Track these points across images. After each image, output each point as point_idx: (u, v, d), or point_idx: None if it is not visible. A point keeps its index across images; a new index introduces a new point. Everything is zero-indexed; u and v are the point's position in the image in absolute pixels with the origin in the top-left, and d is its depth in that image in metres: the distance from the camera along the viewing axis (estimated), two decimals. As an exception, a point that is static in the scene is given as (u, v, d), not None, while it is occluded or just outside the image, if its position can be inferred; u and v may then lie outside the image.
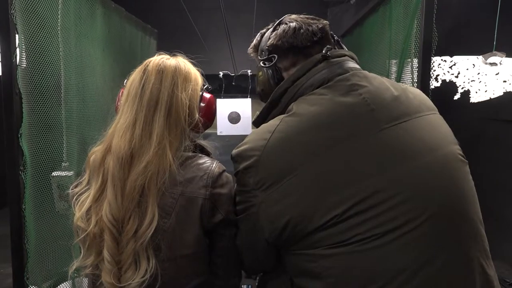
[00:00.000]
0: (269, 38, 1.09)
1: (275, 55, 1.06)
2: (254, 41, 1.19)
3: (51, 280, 1.70)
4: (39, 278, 1.61)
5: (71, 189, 1.06)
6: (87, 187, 1.03)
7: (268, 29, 1.14)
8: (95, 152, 1.04)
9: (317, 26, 1.06)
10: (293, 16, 1.11)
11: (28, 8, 1.52)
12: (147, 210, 0.94)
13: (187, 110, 1.05)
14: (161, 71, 1.05)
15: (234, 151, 0.99)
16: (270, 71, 1.07)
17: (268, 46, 1.09)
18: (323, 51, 1.00)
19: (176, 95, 1.03)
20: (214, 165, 1.06)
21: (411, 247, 0.81)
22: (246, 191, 0.96)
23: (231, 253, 1.08)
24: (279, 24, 1.10)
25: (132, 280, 0.93)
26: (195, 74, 1.13)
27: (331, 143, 0.86)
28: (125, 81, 1.12)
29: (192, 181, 1.01)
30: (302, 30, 1.05)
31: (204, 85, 1.16)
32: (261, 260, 1.03)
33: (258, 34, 1.17)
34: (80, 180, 1.05)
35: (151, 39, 3.35)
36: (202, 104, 1.12)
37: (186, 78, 1.08)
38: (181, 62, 1.11)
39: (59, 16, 1.73)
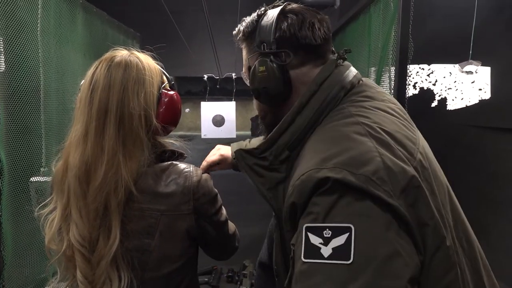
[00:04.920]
0: (276, 28, 0.90)
1: (289, 52, 0.89)
2: (245, 25, 0.97)
3: (28, 287, 1.67)
4: (16, 285, 1.59)
5: (37, 212, 0.98)
6: (54, 207, 0.96)
7: (264, 14, 0.94)
8: (57, 169, 0.96)
9: (326, 21, 0.94)
10: (295, 5, 0.95)
11: (7, 11, 1.50)
12: (111, 230, 0.89)
13: (144, 117, 0.93)
14: (110, 74, 0.93)
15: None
16: (277, 68, 0.89)
17: (276, 38, 0.90)
18: (341, 52, 0.91)
19: (128, 102, 0.91)
20: (190, 173, 0.99)
21: None
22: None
23: (222, 231, 1.08)
24: (283, 13, 0.92)
25: None
26: (150, 72, 0.97)
27: None
28: (81, 82, 0.99)
29: (172, 197, 0.95)
30: (317, 26, 0.90)
31: (163, 83, 1.01)
32: None
33: (251, 17, 0.97)
34: (47, 200, 0.99)
35: (133, 42, 3.33)
36: (160, 108, 0.98)
37: (139, 79, 0.94)
38: (133, 59, 0.96)
39: (38, 20, 1.72)
